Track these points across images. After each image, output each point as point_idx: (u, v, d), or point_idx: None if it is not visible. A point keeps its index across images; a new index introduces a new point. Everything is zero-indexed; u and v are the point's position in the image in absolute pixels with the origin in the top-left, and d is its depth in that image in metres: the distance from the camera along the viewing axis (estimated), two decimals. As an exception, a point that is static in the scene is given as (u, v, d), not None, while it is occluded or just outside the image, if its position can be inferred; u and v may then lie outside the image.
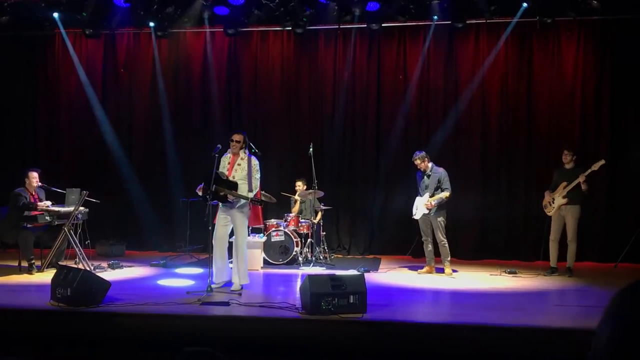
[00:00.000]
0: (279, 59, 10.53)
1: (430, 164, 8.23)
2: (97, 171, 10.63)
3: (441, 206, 8.13)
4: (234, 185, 6.65)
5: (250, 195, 6.73)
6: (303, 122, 10.54)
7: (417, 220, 8.35)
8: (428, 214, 8.14)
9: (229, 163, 6.84)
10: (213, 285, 6.58)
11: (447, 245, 8.20)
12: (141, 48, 10.74)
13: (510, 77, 9.98)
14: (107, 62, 10.75)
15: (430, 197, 8.08)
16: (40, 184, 8.28)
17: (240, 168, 6.84)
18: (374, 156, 10.37)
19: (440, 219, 8.15)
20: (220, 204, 6.77)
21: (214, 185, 6.53)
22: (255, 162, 6.94)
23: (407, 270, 8.56)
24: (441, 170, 8.20)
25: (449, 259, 8.24)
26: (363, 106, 10.41)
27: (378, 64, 10.32)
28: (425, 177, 8.23)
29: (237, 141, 6.86)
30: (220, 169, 6.84)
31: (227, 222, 6.80)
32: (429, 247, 8.34)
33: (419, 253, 8.78)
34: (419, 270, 8.43)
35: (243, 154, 6.89)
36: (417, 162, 8.22)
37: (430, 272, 8.29)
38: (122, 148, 10.56)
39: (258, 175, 6.90)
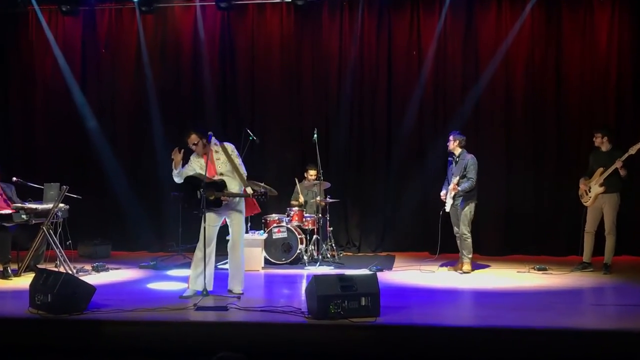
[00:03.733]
0: (278, 35, 10.48)
1: (460, 149, 8.28)
2: (78, 163, 10.63)
3: (468, 197, 8.16)
4: (221, 186, 6.56)
5: (249, 190, 6.62)
6: (306, 106, 10.49)
7: (448, 212, 8.37)
8: (453, 204, 8.16)
9: (205, 163, 6.56)
10: (185, 294, 6.54)
11: (469, 240, 8.22)
12: (124, 25, 10.69)
13: (537, 51, 9.90)
14: (86, 41, 10.71)
15: (457, 182, 8.13)
16: (15, 179, 8.27)
17: (221, 162, 6.66)
18: (386, 142, 10.33)
19: (466, 210, 8.17)
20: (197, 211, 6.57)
21: (202, 190, 6.45)
22: (230, 146, 6.77)
23: (425, 268, 8.53)
24: (469, 157, 8.23)
25: (470, 255, 8.26)
26: (372, 87, 10.36)
27: (389, 39, 10.26)
28: (454, 162, 8.31)
29: (194, 144, 6.58)
30: (192, 172, 6.64)
31: (217, 222, 6.70)
32: (460, 241, 8.36)
33: (437, 250, 8.76)
34: (449, 267, 8.47)
35: (213, 146, 6.69)
36: (450, 139, 8.34)
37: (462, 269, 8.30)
38: (105, 137, 10.54)
39: (240, 160, 6.78)
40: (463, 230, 8.20)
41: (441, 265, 8.66)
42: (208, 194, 6.44)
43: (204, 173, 6.54)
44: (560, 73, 9.86)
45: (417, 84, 10.12)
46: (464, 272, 8.16)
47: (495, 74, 9.92)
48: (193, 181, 6.60)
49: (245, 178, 6.72)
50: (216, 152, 6.70)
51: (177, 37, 10.63)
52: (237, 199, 6.66)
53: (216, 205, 6.51)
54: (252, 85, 10.58)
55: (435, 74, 10.18)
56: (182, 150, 6.63)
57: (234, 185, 6.63)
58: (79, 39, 10.73)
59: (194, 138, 6.61)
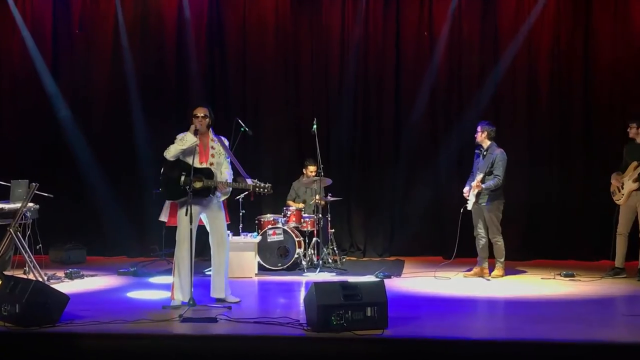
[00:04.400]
0: (273, 14, 10.47)
1: (489, 142, 8.31)
2: (49, 157, 10.62)
3: (495, 196, 8.19)
4: (210, 174, 6.58)
5: (250, 181, 6.65)
6: (304, 94, 10.50)
7: (469, 210, 8.39)
8: (476, 202, 8.20)
9: (197, 147, 6.61)
10: (172, 304, 6.54)
11: (501, 243, 8.31)
12: (100, 3, 10.67)
13: (563, 32, 9.91)
14: (58, 21, 10.70)
15: (481, 179, 8.16)
16: None
17: (216, 151, 6.74)
18: (394, 134, 10.35)
19: (495, 212, 8.24)
20: (180, 200, 6.60)
21: (186, 177, 6.45)
22: (227, 141, 6.95)
23: (440, 274, 8.53)
24: (498, 151, 8.26)
25: (502, 259, 8.35)
26: (379, 71, 10.36)
27: (396, 18, 10.26)
28: (481, 156, 8.35)
29: (203, 116, 6.70)
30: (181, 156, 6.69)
31: (196, 222, 6.65)
32: (480, 244, 8.40)
33: (451, 254, 8.75)
34: (465, 273, 8.47)
35: (211, 134, 6.78)
36: (478, 130, 8.38)
37: (480, 275, 8.34)
38: (79, 128, 10.53)
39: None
40: (494, 233, 8.28)
41: (464, 271, 8.63)
42: (195, 180, 6.44)
43: (191, 158, 6.54)
44: (589, 56, 9.86)
45: (429, 68, 10.12)
46: (494, 277, 8.25)
47: (516, 57, 9.93)
48: (177, 165, 6.61)
49: (232, 176, 6.77)
50: (212, 140, 6.77)
51: (160, 16, 10.61)
52: (219, 195, 6.67)
53: (202, 194, 6.52)
54: (243, 71, 10.57)
55: (449, 57, 10.18)
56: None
57: (220, 179, 6.67)
58: (50, 19, 10.71)
59: (204, 110, 6.72)
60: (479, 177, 8.16)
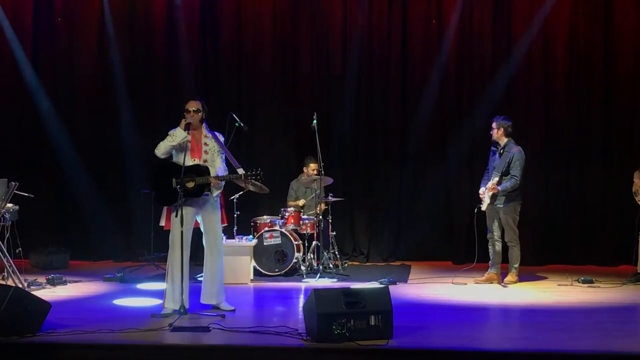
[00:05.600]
0: (270, 2, 10.46)
1: (506, 139, 8.29)
2: (29, 154, 10.61)
3: (512, 197, 8.19)
4: (204, 171, 6.59)
5: (241, 170, 6.67)
6: (303, 87, 10.51)
7: (484, 212, 8.40)
8: (493, 203, 8.20)
9: (188, 144, 6.64)
10: (162, 312, 6.54)
11: (517, 247, 8.31)
12: (85, -10, 10.70)
13: (581, 20, 9.90)
14: (39, 9, 10.69)
15: (497, 181, 8.15)
16: None
17: (209, 147, 6.76)
18: (400, 130, 10.35)
19: (511, 213, 8.23)
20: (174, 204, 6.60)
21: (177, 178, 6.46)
22: (221, 137, 6.96)
23: (448, 280, 8.54)
24: (516, 150, 8.23)
25: (516, 265, 8.34)
26: (383, 63, 10.37)
27: (403, 5, 10.26)
28: (497, 154, 8.33)
29: (195, 110, 6.72)
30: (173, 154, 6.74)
31: (191, 224, 6.71)
32: (494, 248, 8.40)
33: (462, 259, 8.76)
34: (476, 279, 8.46)
35: (204, 130, 6.81)
36: (493, 126, 8.35)
37: (492, 281, 8.34)
38: (61, 123, 10.53)
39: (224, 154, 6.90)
40: (510, 236, 8.27)
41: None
42: (186, 180, 6.45)
43: (181, 156, 6.56)
44: (609, 46, 9.85)
45: (437, 60, 10.13)
46: (508, 284, 8.24)
47: (531, 47, 9.93)
48: (168, 168, 6.63)
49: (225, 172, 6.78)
50: (205, 136, 6.78)
51: (149, 4, 10.61)
52: (215, 194, 6.69)
53: (195, 194, 6.53)
54: (238, 63, 10.58)
55: (459, 48, 10.18)
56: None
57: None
58: (31, 6, 10.70)
59: (197, 104, 6.73)
60: (495, 178, 8.14)
